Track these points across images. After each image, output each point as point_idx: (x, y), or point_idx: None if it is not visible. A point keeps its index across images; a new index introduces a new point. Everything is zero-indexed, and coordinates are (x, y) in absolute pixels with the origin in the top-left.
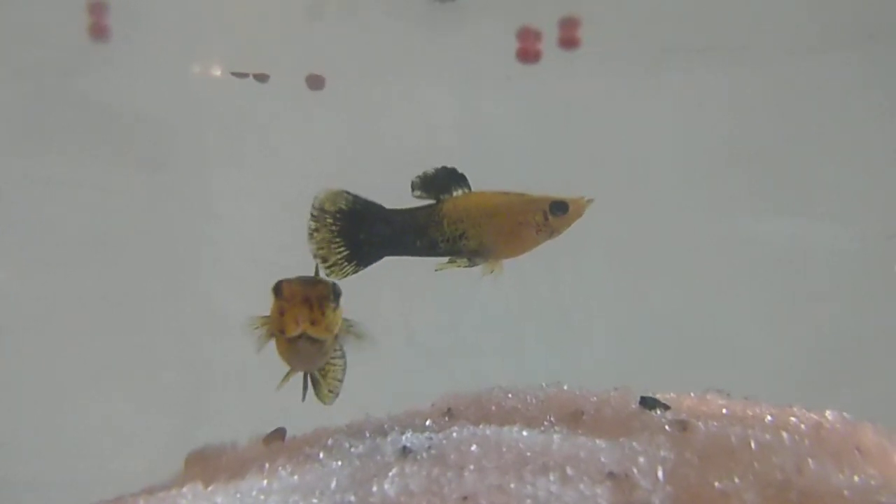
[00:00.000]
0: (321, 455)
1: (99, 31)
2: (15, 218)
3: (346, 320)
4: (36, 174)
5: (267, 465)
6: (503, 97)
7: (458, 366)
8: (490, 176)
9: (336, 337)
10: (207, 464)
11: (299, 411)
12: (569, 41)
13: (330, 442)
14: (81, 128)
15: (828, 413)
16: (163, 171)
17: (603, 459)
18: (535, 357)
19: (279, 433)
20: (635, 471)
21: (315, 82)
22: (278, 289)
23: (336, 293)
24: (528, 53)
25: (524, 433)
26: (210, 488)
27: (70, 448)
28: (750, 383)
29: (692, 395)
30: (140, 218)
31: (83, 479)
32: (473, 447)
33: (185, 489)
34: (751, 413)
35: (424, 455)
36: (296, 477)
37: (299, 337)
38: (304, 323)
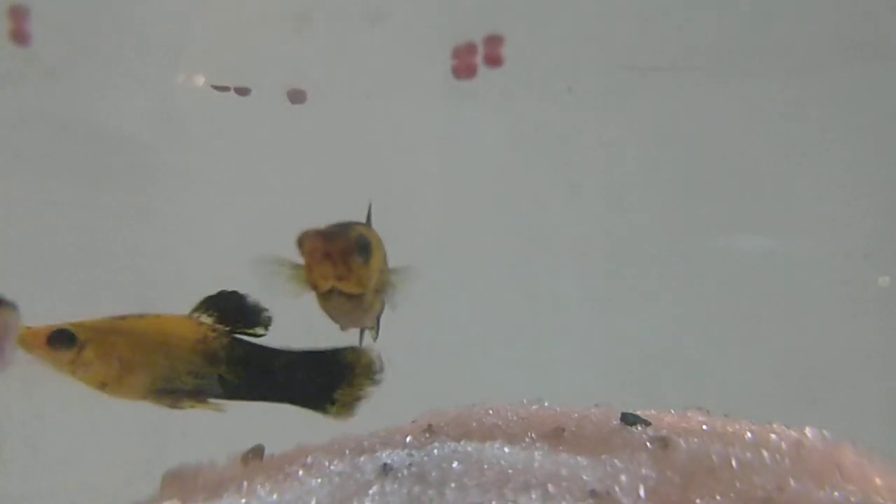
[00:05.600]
0: (300, 473)
1: (20, 36)
2: None
3: (390, 272)
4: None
5: (245, 484)
6: (479, 115)
7: (437, 382)
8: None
9: (381, 292)
10: (184, 483)
11: (277, 429)
12: (493, 59)
13: (309, 460)
14: (39, 141)
15: (807, 431)
16: (128, 187)
17: (585, 477)
18: (514, 374)
19: (257, 451)
20: (617, 489)
21: (296, 96)
22: (301, 242)
23: (361, 246)
24: (463, 69)
25: (506, 450)
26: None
27: (45, 465)
28: (727, 399)
29: (672, 411)
30: (106, 236)
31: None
32: (455, 464)
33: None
34: (731, 430)
35: (405, 472)
36: (275, 496)
37: (331, 292)
38: (331, 279)
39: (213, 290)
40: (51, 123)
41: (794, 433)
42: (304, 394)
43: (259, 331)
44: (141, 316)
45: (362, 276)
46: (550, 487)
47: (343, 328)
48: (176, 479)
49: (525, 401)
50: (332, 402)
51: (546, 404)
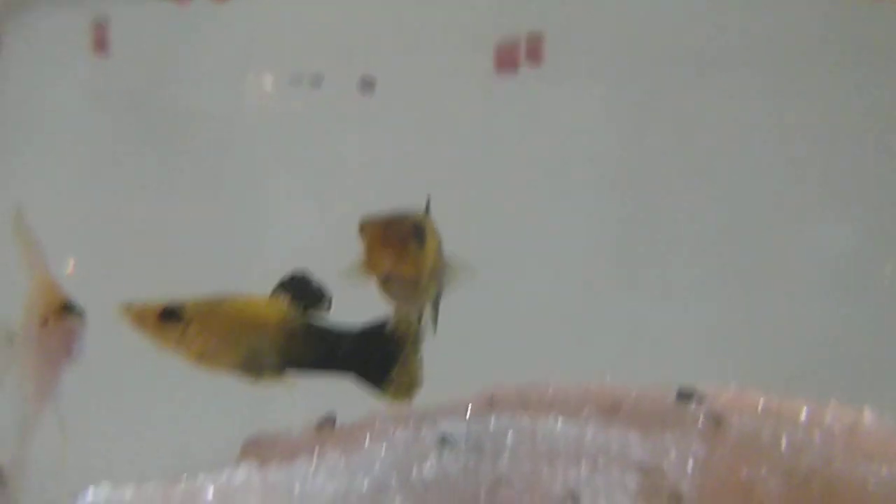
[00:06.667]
0: (367, 441)
1: (100, 45)
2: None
3: (445, 257)
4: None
5: (316, 449)
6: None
7: (504, 357)
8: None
9: (435, 275)
10: (262, 450)
11: (347, 400)
12: (534, 55)
13: (376, 429)
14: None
15: (866, 413)
16: (206, 181)
17: (634, 452)
18: (587, 351)
19: (330, 420)
20: (665, 463)
21: (366, 85)
22: (361, 229)
23: (417, 231)
24: (505, 64)
25: (559, 424)
26: (263, 467)
27: (133, 431)
28: (782, 376)
29: (730, 387)
30: (183, 228)
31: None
32: (509, 437)
33: (240, 465)
34: (787, 409)
35: (462, 444)
36: (343, 460)
37: (389, 277)
38: (388, 263)
39: (281, 273)
40: (132, 118)
41: (850, 414)
42: (364, 369)
43: (322, 309)
44: (233, 296)
45: (418, 260)
46: (600, 460)
47: (399, 311)
48: (254, 446)
49: (587, 377)
50: (389, 381)
51: (607, 380)
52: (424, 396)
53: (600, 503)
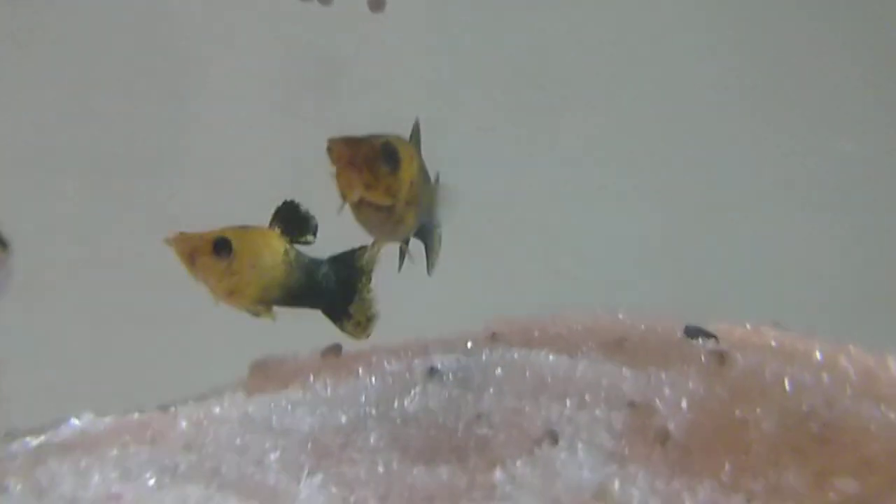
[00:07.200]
0: (360, 371)
1: None
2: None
3: (433, 188)
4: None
5: (311, 378)
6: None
7: (516, 291)
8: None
9: (417, 204)
10: (268, 372)
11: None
12: None
13: (374, 359)
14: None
15: (888, 359)
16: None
17: (626, 388)
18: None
19: (336, 348)
20: (658, 401)
21: (376, 4)
22: (329, 150)
23: (387, 154)
24: None
25: (550, 358)
26: (249, 398)
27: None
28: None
29: (747, 325)
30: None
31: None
32: (498, 371)
33: (224, 397)
34: (800, 349)
35: (450, 376)
36: (329, 390)
37: (362, 202)
38: (358, 187)
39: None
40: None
41: (870, 358)
42: (329, 302)
43: (309, 238)
44: (252, 229)
45: (390, 185)
46: (587, 397)
47: (378, 242)
48: (262, 368)
49: (599, 311)
50: (348, 317)
51: (620, 316)
52: (436, 332)
53: (579, 443)
